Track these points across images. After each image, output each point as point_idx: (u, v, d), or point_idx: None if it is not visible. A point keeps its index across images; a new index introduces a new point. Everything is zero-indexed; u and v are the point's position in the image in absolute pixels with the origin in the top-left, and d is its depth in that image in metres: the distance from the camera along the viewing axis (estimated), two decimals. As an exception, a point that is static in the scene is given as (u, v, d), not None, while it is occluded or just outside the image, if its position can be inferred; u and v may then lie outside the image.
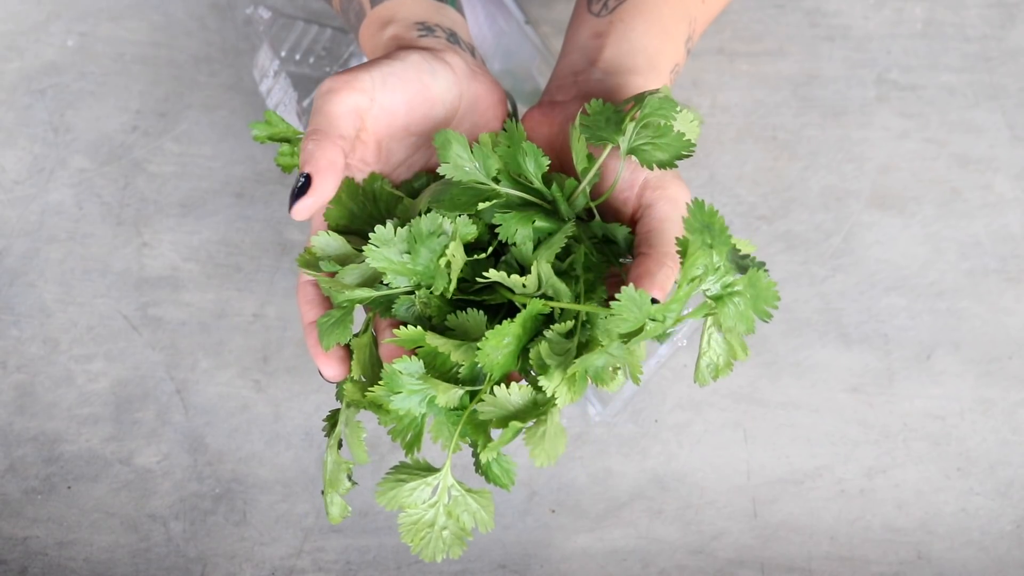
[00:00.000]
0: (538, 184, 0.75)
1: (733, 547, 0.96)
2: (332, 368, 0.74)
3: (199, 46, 1.13)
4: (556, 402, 0.68)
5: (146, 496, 0.97)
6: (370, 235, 0.71)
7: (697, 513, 0.97)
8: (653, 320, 0.66)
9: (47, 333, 1.02)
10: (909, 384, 1.01)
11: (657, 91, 0.74)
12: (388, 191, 0.77)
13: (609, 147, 0.73)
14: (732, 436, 0.99)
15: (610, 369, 0.70)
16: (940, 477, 0.98)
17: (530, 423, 0.69)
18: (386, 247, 0.71)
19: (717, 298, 0.66)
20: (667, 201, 0.74)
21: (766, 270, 0.66)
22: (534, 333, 0.71)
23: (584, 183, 0.75)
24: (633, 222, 0.75)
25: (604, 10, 0.84)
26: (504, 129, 0.76)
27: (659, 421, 1.00)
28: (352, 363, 0.74)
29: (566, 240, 0.72)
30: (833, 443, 0.99)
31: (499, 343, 0.69)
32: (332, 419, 0.76)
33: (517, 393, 0.70)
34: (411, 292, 0.73)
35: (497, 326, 0.69)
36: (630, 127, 0.72)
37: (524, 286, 0.70)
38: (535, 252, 0.73)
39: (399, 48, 0.78)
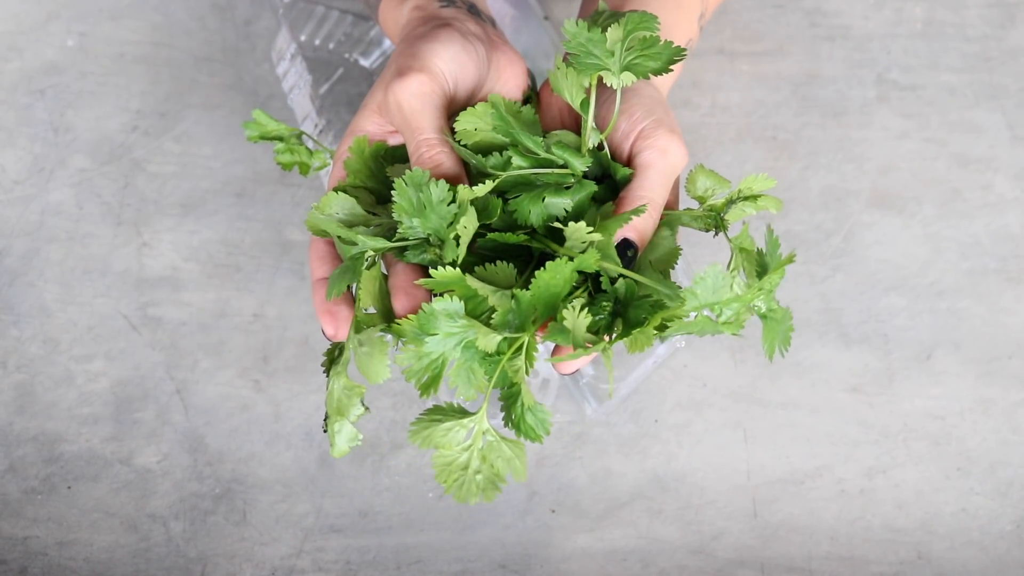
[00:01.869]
0: (544, 154, 0.75)
1: (733, 547, 0.96)
2: (333, 326, 0.73)
3: (199, 46, 1.13)
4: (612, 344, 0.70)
5: (146, 496, 0.97)
6: (396, 182, 0.71)
7: (697, 513, 0.97)
8: (714, 307, 0.68)
9: (47, 333, 1.02)
10: (909, 384, 1.01)
11: (635, 10, 0.75)
12: (400, 152, 0.78)
13: (597, 78, 0.74)
14: (732, 436, 0.99)
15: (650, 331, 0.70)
16: (940, 477, 0.98)
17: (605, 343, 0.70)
18: (411, 190, 0.72)
19: (763, 316, 0.71)
20: (654, 149, 0.75)
21: (791, 315, 0.73)
22: (571, 291, 0.71)
23: (589, 119, 0.75)
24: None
25: None
26: (525, 100, 0.77)
27: (659, 421, 1.00)
28: (360, 293, 0.73)
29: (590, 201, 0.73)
30: (833, 443, 0.99)
31: (552, 279, 0.69)
32: (331, 352, 0.75)
33: (583, 318, 0.70)
34: (425, 241, 0.73)
35: (551, 262, 0.69)
36: (618, 47, 0.73)
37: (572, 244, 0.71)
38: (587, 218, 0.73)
39: (433, 26, 0.78)
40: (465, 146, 0.76)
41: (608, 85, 0.74)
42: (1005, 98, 1.11)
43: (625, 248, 0.72)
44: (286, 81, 1.01)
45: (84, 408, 1.00)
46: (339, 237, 0.73)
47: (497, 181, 0.74)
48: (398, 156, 0.78)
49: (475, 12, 0.81)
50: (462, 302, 0.70)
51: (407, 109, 0.75)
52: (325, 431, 0.73)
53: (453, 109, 0.78)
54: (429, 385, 0.71)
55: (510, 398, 0.71)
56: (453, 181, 0.73)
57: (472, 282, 0.70)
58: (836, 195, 1.07)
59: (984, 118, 1.11)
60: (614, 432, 0.99)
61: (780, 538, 0.96)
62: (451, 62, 0.76)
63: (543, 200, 0.73)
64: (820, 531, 0.97)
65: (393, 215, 0.72)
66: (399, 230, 0.72)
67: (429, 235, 0.72)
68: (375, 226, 0.74)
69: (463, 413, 0.72)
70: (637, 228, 0.73)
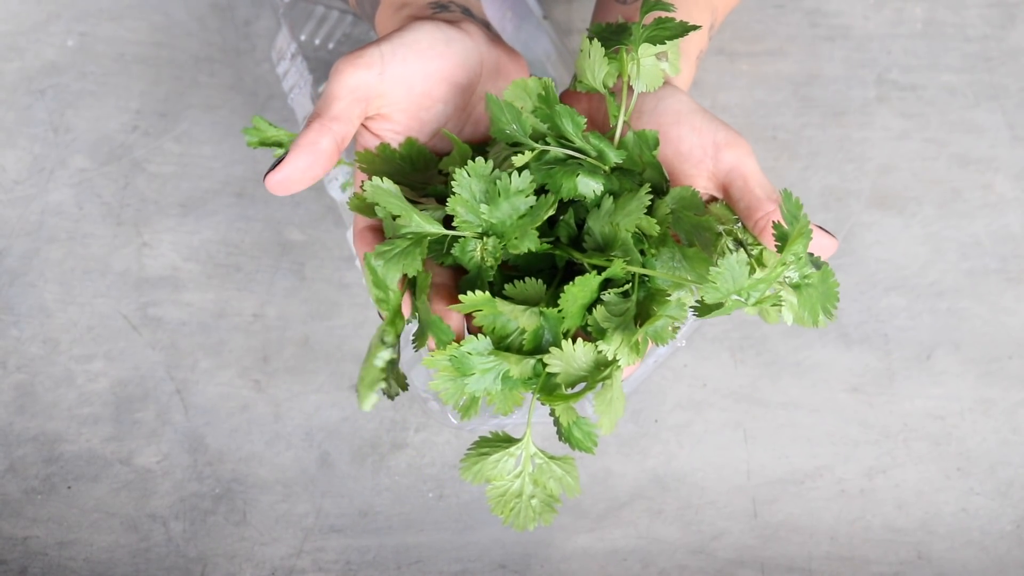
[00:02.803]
0: (580, 142, 0.75)
1: (733, 547, 0.96)
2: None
3: (199, 46, 1.13)
4: (619, 364, 0.69)
5: (146, 496, 0.97)
6: (456, 171, 0.71)
7: (697, 513, 0.97)
8: (740, 293, 0.67)
9: (47, 333, 1.02)
10: (909, 384, 1.01)
11: None
12: (426, 153, 0.77)
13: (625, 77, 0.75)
14: (732, 436, 0.99)
15: (669, 328, 0.71)
16: (940, 477, 0.98)
17: (598, 387, 0.70)
18: (474, 181, 0.71)
19: (795, 286, 0.69)
20: (748, 156, 0.75)
21: (832, 272, 0.71)
22: (598, 294, 0.72)
23: (621, 115, 0.75)
24: (716, 184, 0.76)
25: None
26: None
27: (659, 421, 1.00)
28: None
29: (644, 205, 0.72)
30: (833, 443, 0.99)
31: (581, 292, 0.70)
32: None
33: (582, 351, 0.70)
34: (480, 237, 0.73)
35: (580, 277, 0.70)
36: (635, 27, 0.74)
37: (606, 257, 0.72)
38: (614, 217, 0.72)
39: (412, 21, 0.78)
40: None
41: (631, 86, 0.75)
42: (1005, 98, 1.11)
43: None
44: (286, 81, 1.01)
45: (84, 408, 1.00)
46: (394, 217, 0.72)
47: (535, 152, 0.74)
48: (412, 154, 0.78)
49: (469, 15, 0.81)
50: (487, 338, 0.71)
51: (326, 85, 0.75)
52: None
53: (451, 93, 0.77)
54: (469, 407, 0.72)
55: (555, 415, 0.72)
56: (293, 152, 0.72)
57: (502, 305, 0.71)
58: (836, 195, 1.07)
59: (984, 118, 1.11)
60: (614, 432, 0.99)
61: (780, 538, 0.96)
62: (403, 47, 0.75)
63: (577, 176, 0.73)
64: (820, 531, 0.97)
65: (448, 208, 0.72)
66: (455, 223, 0.72)
67: (487, 229, 0.72)
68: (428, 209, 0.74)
69: (508, 441, 0.72)
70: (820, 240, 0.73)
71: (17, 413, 0.99)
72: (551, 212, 0.72)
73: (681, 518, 0.97)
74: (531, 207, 0.72)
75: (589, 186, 0.73)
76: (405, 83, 0.75)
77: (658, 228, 0.72)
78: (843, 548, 0.96)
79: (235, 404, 1.00)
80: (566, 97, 0.82)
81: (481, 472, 0.72)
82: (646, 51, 0.75)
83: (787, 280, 0.70)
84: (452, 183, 0.72)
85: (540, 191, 0.74)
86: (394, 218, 0.72)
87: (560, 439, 0.73)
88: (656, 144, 0.75)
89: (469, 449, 0.72)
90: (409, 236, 0.72)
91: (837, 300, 0.71)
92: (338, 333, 1.02)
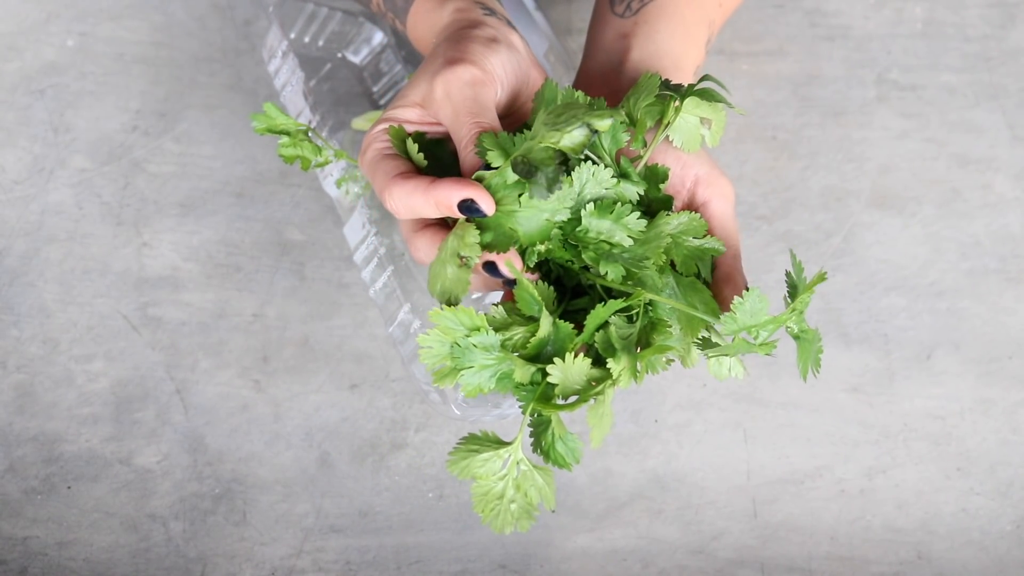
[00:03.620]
0: (611, 163, 0.76)
1: (733, 547, 0.96)
2: (488, 202, 0.71)
3: (199, 46, 1.13)
4: (618, 383, 0.71)
5: (146, 496, 0.97)
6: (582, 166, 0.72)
7: (697, 513, 0.97)
8: (748, 330, 0.71)
9: (47, 333, 1.02)
10: (909, 384, 1.01)
11: (695, 84, 0.77)
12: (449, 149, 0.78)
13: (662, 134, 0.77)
14: (732, 436, 0.99)
15: (663, 359, 0.74)
16: (940, 477, 0.98)
17: (591, 402, 0.71)
18: (591, 183, 0.73)
19: (796, 336, 0.74)
20: (722, 198, 0.78)
21: (820, 335, 0.75)
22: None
23: (651, 145, 0.77)
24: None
25: (628, 11, 0.84)
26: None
27: (659, 421, 1.00)
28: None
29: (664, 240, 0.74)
30: (833, 443, 0.99)
31: (605, 314, 0.71)
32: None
33: (581, 366, 0.71)
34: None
35: (601, 306, 0.71)
36: (689, 87, 0.76)
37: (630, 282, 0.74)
38: (639, 249, 0.74)
39: (481, 33, 0.77)
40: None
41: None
42: (1005, 98, 1.11)
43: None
44: (278, 79, 1.01)
45: (84, 408, 1.00)
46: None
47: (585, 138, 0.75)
48: (436, 149, 0.77)
49: (513, 27, 0.81)
50: (497, 335, 0.72)
51: (458, 98, 0.73)
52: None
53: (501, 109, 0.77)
54: (445, 375, 0.72)
55: (540, 426, 0.73)
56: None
57: (543, 295, 0.73)
58: (836, 195, 1.07)
59: (984, 118, 1.11)
60: (614, 432, 0.99)
61: (780, 538, 0.96)
62: (499, 67, 0.75)
63: (619, 182, 0.75)
64: (820, 531, 0.97)
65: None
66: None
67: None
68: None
69: (499, 443, 0.73)
70: (739, 281, 0.77)
71: (17, 413, 0.99)
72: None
73: (681, 518, 0.97)
74: (622, 245, 0.74)
75: (631, 190, 0.75)
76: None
77: (664, 257, 0.74)
78: (843, 548, 0.96)
79: (235, 404, 1.00)
80: (581, 78, 0.83)
81: (468, 468, 0.72)
82: (694, 109, 0.76)
83: (790, 330, 0.73)
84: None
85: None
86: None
87: (535, 450, 0.73)
88: (665, 178, 0.77)
89: (459, 442, 0.72)
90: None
91: (820, 365, 0.75)
92: (338, 333, 1.02)
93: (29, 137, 1.09)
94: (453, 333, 0.71)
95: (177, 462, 0.98)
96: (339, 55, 1.05)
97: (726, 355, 0.73)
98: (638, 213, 0.73)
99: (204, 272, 1.04)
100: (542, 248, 0.73)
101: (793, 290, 0.72)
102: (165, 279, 1.04)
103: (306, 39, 1.03)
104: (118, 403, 1.00)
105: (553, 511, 0.77)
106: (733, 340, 0.71)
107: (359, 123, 1.02)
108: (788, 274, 0.73)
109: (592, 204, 0.73)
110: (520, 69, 0.77)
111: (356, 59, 1.06)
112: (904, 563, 0.96)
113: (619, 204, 0.73)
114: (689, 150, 0.77)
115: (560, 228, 0.73)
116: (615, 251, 0.73)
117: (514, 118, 0.79)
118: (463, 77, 0.73)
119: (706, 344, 0.75)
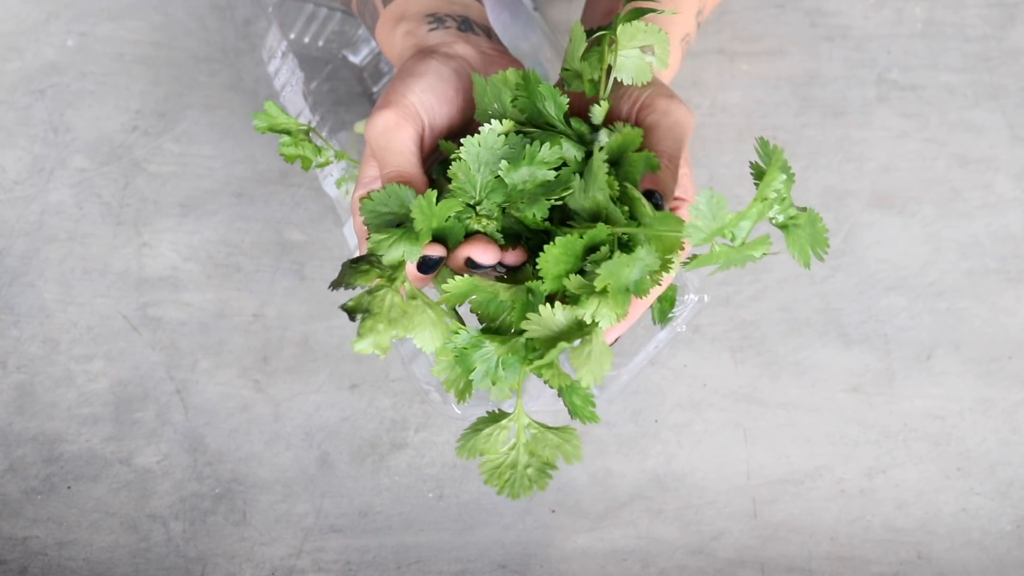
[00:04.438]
0: (562, 126, 0.76)
1: (733, 547, 0.96)
2: (488, 253, 0.73)
3: (199, 46, 1.13)
4: (599, 324, 0.70)
5: (146, 496, 0.97)
6: (466, 139, 0.72)
7: (697, 513, 0.97)
8: (723, 233, 0.67)
9: (47, 333, 1.02)
10: (909, 384, 1.01)
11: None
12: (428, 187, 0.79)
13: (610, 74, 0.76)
14: (732, 436, 0.99)
15: (648, 276, 0.71)
16: (940, 477, 0.98)
17: (576, 343, 0.70)
18: (483, 150, 0.72)
19: (783, 226, 0.69)
20: (656, 112, 0.76)
21: (819, 215, 0.70)
22: (583, 261, 0.72)
23: (603, 91, 0.76)
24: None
25: None
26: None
27: (659, 421, 1.00)
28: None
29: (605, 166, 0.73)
30: (833, 443, 0.99)
31: (562, 254, 0.70)
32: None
33: (562, 313, 0.70)
34: (473, 207, 0.74)
35: (561, 238, 0.70)
36: (617, 17, 0.75)
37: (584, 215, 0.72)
38: (589, 184, 0.73)
39: (418, 57, 0.79)
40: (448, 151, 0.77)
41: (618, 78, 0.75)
42: (1005, 98, 1.11)
43: (650, 196, 0.72)
44: (278, 79, 1.01)
45: (84, 408, 1.00)
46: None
47: (513, 125, 0.75)
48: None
49: (467, 28, 0.81)
50: (466, 331, 0.72)
51: (375, 146, 0.76)
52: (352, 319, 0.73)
53: (437, 135, 0.78)
54: (462, 390, 0.73)
55: (563, 390, 0.73)
56: None
57: (483, 284, 0.72)
58: (836, 195, 1.07)
59: (984, 118, 1.11)
60: (614, 432, 0.99)
61: (780, 538, 0.96)
62: (426, 92, 0.77)
63: (560, 144, 0.74)
64: (820, 531, 0.97)
65: (450, 171, 0.73)
66: (452, 186, 0.73)
67: (488, 194, 0.74)
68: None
69: (500, 415, 0.73)
70: (655, 181, 0.73)
71: (17, 413, 0.99)
72: (568, 193, 0.72)
73: (681, 518, 0.97)
74: (548, 180, 0.73)
75: (571, 152, 0.74)
76: (439, 130, 0.78)
77: (614, 184, 0.73)
78: (843, 548, 0.96)
79: (235, 404, 1.00)
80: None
81: (475, 447, 0.72)
82: (629, 41, 0.75)
83: (774, 220, 0.69)
84: (459, 149, 0.73)
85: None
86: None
87: (571, 416, 0.73)
88: (639, 144, 0.76)
89: (465, 431, 0.73)
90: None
91: (827, 245, 0.70)
92: (338, 333, 1.02)
93: (29, 137, 1.09)
94: (450, 352, 0.72)
95: (177, 462, 0.98)
96: (339, 55, 1.05)
97: (711, 264, 0.69)
98: (548, 144, 0.73)
99: (204, 272, 1.04)
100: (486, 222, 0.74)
101: (759, 175, 0.68)
102: (165, 279, 1.04)
103: (306, 39, 1.03)
104: (118, 403, 1.00)
105: (579, 462, 0.76)
106: (712, 249, 0.68)
107: (360, 127, 1.02)
108: (754, 164, 0.69)
109: (504, 162, 0.73)
110: (460, 83, 0.78)
111: (356, 59, 1.06)
112: (904, 563, 0.96)
113: (527, 146, 0.73)
114: (641, 82, 0.76)
115: (497, 204, 0.74)
116: (538, 191, 0.73)
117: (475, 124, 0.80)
118: (378, 127, 0.76)
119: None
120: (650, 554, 0.96)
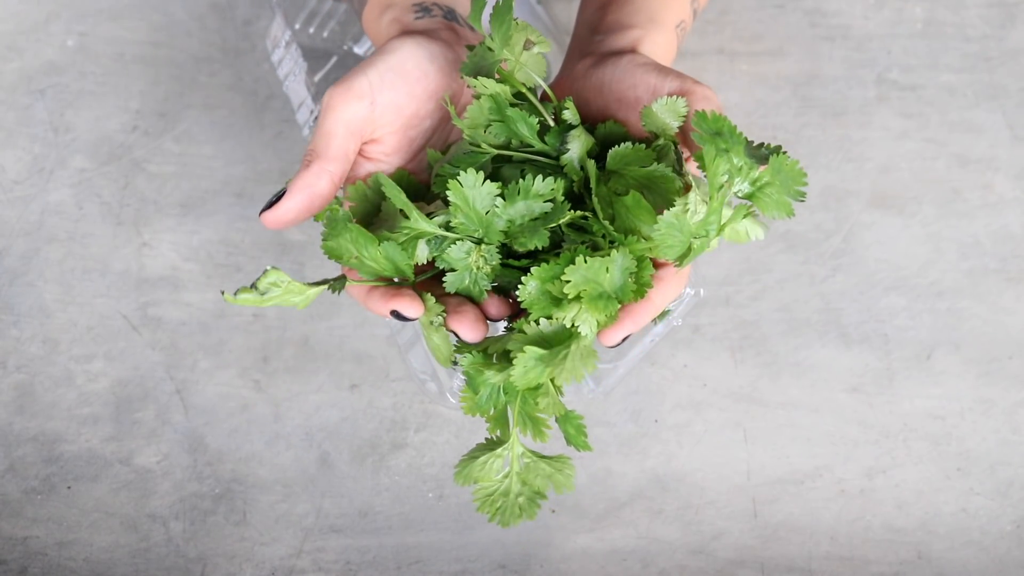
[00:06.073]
0: (538, 144, 0.76)
1: (733, 547, 0.96)
2: (415, 308, 0.73)
3: (199, 46, 1.13)
4: (581, 331, 0.70)
5: (146, 496, 0.97)
6: (452, 182, 0.72)
7: (697, 513, 0.97)
8: (696, 237, 0.67)
9: (47, 333, 1.02)
10: (909, 384, 1.01)
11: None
12: (415, 182, 0.78)
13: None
14: (732, 436, 0.99)
15: (629, 279, 0.70)
16: (940, 477, 0.98)
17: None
18: (473, 191, 0.72)
19: (749, 196, 0.68)
20: (698, 94, 0.76)
21: (785, 152, 0.68)
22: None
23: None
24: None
25: None
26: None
27: (659, 421, 1.00)
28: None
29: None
30: (833, 443, 0.99)
31: (547, 277, 0.71)
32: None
33: (548, 327, 0.71)
34: (477, 243, 0.74)
35: (545, 264, 0.70)
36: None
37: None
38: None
39: (392, 38, 0.79)
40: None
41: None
42: (1005, 98, 1.11)
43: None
44: (281, 69, 1.01)
45: (84, 408, 1.00)
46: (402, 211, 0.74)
47: (491, 155, 0.75)
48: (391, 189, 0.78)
49: (452, 18, 0.81)
50: (470, 354, 0.73)
51: (319, 120, 0.76)
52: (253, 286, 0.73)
53: (403, 116, 0.77)
54: (483, 409, 0.73)
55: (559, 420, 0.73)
56: (290, 194, 0.74)
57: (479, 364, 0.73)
58: (836, 195, 1.07)
59: (984, 118, 1.11)
60: (614, 432, 0.99)
61: (780, 538, 0.96)
62: (390, 72, 0.76)
63: (554, 177, 0.74)
64: (820, 531, 0.97)
65: (451, 209, 0.73)
66: (453, 223, 0.73)
67: (486, 232, 0.74)
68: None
69: (497, 443, 0.73)
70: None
71: (17, 413, 0.99)
72: (566, 219, 0.72)
73: (681, 518, 0.97)
74: (545, 212, 0.73)
75: (547, 185, 0.74)
76: (395, 107, 0.76)
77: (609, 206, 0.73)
78: (843, 548, 0.96)
79: (235, 404, 1.00)
80: (560, 83, 0.82)
81: (470, 474, 0.72)
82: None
83: (739, 193, 0.68)
84: (447, 192, 0.73)
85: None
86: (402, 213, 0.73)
87: (567, 443, 0.73)
88: (623, 133, 0.76)
89: (463, 457, 0.73)
90: (406, 231, 0.73)
91: (803, 176, 0.68)
92: (338, 333, 1.02)
93: (29, 137, 1.09)
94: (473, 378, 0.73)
95: (177, 462, 0.98)
96: (344, 47, 1.05)
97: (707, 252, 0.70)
98: (541, 176, 0.72)
99: (204, 272, 1.04)
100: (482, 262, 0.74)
101: (702, 161, 0.67)
102: (165, 279, 1.04)
103: (311, 30, 1.03)
104: (118, 403, 1.00)
105: (570, 492, 0.76)
106: (696, 244, 0.68)
107: None
108: (696, 155, 0.68)
109: (499, 199, 0.73)
110: (454, 69, 0.77)
111: (361, 51, 1.06)
112: (904, 563, 0.96)
113: (518, 181, 0.73)
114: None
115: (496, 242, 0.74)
116: (536, 223, 0.73)
117: (460, 109, 0.79)
118: (323, 102, 0.76)
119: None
120: (650, 554, 0.96)
